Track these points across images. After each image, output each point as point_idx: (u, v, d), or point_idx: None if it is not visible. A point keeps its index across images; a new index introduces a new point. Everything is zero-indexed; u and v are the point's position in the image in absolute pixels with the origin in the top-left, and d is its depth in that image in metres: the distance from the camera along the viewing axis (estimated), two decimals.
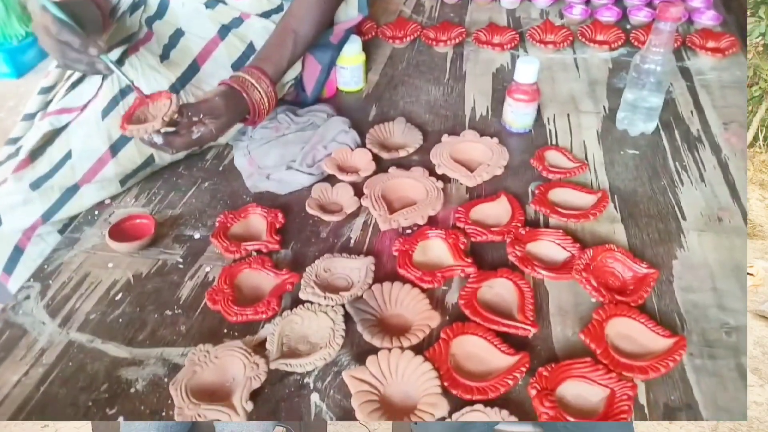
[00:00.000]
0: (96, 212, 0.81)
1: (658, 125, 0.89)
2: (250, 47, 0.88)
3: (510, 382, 0.55)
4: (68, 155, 0.80)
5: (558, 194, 0.77)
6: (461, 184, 0.81)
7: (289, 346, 0.61)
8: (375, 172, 0.81)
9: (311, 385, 0.58)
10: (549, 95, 0.97)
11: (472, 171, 0.81)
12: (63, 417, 0.56)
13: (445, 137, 0.87)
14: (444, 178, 0.81)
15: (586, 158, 0.85)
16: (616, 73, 1.02)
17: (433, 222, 0.75)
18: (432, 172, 0.81)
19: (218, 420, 0.54)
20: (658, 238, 0.72)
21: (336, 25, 0.95)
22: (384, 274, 0.68)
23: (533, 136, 0.90)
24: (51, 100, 0.86)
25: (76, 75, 0.86)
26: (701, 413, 0.54)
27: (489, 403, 0.54)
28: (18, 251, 0.80)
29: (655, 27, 0.79)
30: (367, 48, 1.08)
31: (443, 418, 0.53)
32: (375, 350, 0.59)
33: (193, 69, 0.85)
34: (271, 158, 0.83)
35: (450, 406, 0.54)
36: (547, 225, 0.74)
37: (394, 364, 0.57)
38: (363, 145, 0.87)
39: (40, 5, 0.65)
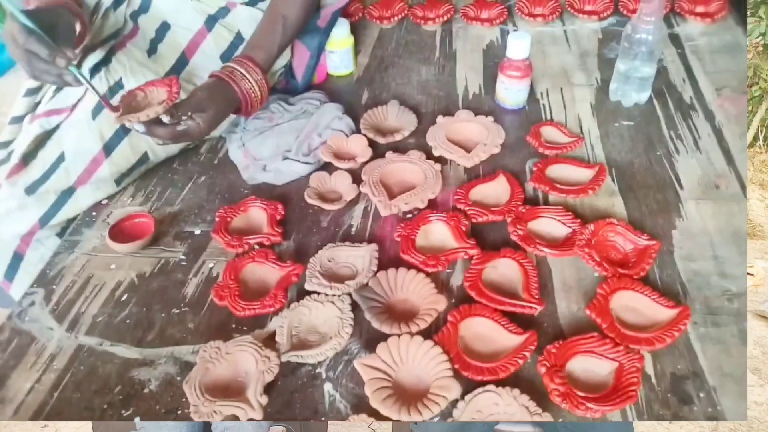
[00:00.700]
0: (93, 213, 0.80)
1: (651, 95, 0.89)
2: (238, 37, 0.87)
3: (519, 361, 0.56)
4: (61, 157, 0.79)
5: (556, 170, 0.77)
6: (459, 165, 0.81)
7: (299, 337, 0.61)
8: (372, 158, 0.81)
9: (323, 375, 0.59)
10: (541, 69, 0.97)
11: (468, 151, 0.81)
12: (80, 419, 0.57)
13: (439, 118, 0.86)
14: (441, 160, 0.81)
15: (582, 132, 0.85)
16: (607, 44, 1.02)
17: (433, 205, 0.75)
18: (429, 155, 0.81)
19: (235, 416, 0.55)
20: (656, 209, 0.72)
21: (323, 9, 0.93)
22: (387, 260, 0.69)
23: (527, 111, 0.89)
24: (39, 102, 0.85)
25: None
26: (707, 380, 0.55)
27: (500, 383, 0.55)
28: (18, 257, 0.80)
29: None
30: (355, 30, 1.07)
31: (456, 401, 0.54)
32: (384, 337, 0.59)
33: (182, 62, 0.84)
34: (266, 149, 0.82)
35: (462, 388, 0.55)
36: (546, 202, 0.74)
37: (404, 350, 0.58)
38: (358, 130, 0.86)
39: (8, 12, 0.63)
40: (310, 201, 0.76)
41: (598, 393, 0.53)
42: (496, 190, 0.75)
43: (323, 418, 0.55)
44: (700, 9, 1.03)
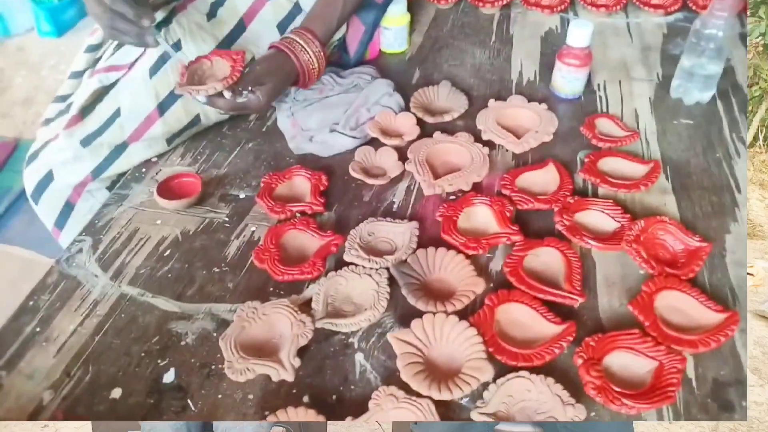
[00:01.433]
0: (143, 170, 0.82)
1: (715, 94, 0.85)
2: (297, 6, 0.87)
3: (556, 350, 0.55)
4: (117, 113, 0.81)
5: (608, 163, 0.75)
6: (507, 150, 0.79)
7: (334, 306, 0.62)
8: (419, 137, 0.80)
9: (356, 345, 0.59)
10: (600, 61, 0.94)
11: (518, 137, 0.79)
12: (117, 366, 0.58)
13: (491, 102, 0.85)
14: (490, 144, 0.79)
15: (638, 127, 0.82)
16: (671, 39, 0.98)
17: (477, 188, 0.74)
18: (477, 138, 0.80)
19: (267, 374, 0.55)
20: (711, 211, 0.70)
21: None
22: (428, 240, 0.68)
23: (583, 102, 0.87)
24: (99, 58, 0.87)
25: None
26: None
27: (534, 370, 0.54)
28: (69, 206, 0.82)
29: None
30: (411, 9, 1.05)
31: (487, 384, 0.53)
32: (418, 314, 0.59)
33: (240, 28, 0.85)
34: (314, 120, 0.82)
35: (494, 371, 0.54)
36: (595, 195, 0.72)
37: (438, 328, 0.57)
38: (407, 108, 0.85)
39: None
40: (354, 174, 0.76)
41: (634, 390, 0.52)
42: (544, 179, 0.74)
43: (352, 387, 0.56)
44: None
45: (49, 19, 2.16)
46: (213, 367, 0.58)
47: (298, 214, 0.72)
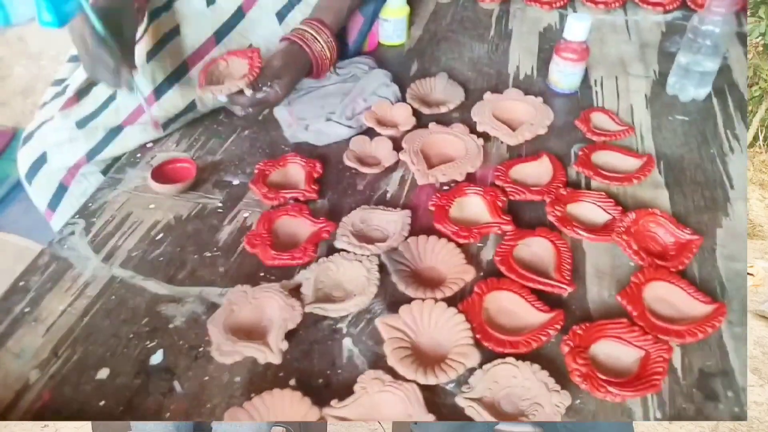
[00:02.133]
0: (138, 155, 0.82)
1: (710, 92, 0.85)
2: None
3: (543, 337, 0.55)
4: (113, 96, 0.81)
5: (602, 157, 0.75)
6: (502, 142, 0.80)
7: (324, 291, 0.62)
8: (414, 127, 0.80)
9: (344, 330, 0.59)
10: (597, 57, 0.94)
11: (514, 130, 0.79)
12: (105, 347, 0.58)
13: (487, 95, 0.85)
14: (485, 136, 0.79)
15: (633, 122, 0.82)
16: (669, 37, 0.98)
17: (471, 179, 0.74)
18: (473, 130, 0.80)
19: (253, 357, 0.55)
20: (703, 206, 0.70)
21: None
22: (420, 229, 0.68)
23: (579, 97, 0.87)
24: None
25: None
26: (737, 380, 0.53)
27: (520, 357, 0.54)
28: (62, 188, 0.82)
29: None
30: (411, 2, 1.05)
31: (473, 369, 0.54)
32: (408, 301, 0.59)
33: (239, 15, 0.85)
34: (310, 109, 0.82)
35: (481, 357, 0.54)
36: (589, 187, 0.72)
37: (427, 314, 0.57)
38: (403, 99, 0.86)
39: (82, 11, 0.65)
40: (348, 163, 0.76)
41: (620, 379, 0.52)
42: (537, 171, 0.74)
43: (339, 371, 0.56)
44: None
45: (50, 9, 2.16)
46: (201, 349, 0.58)
47: (291, 201, 0.72)
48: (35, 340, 0.59)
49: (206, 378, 0.56)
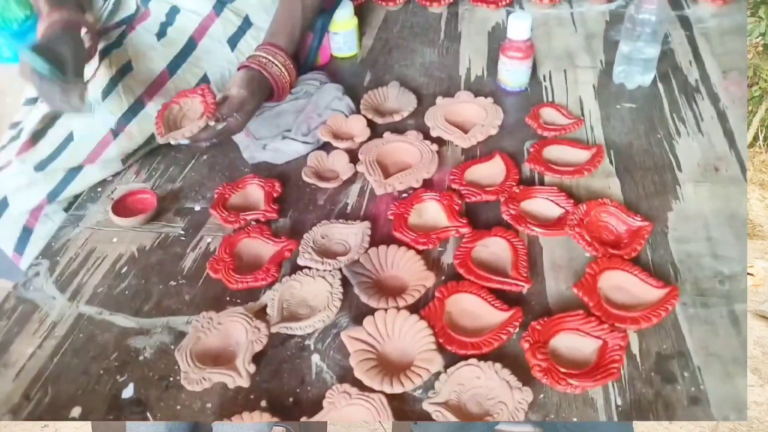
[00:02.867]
0: (99, 189, 0.82)
1: (655, 77, 0.87)
2: (246, 21, 0.88)
3: (503, 336, 0.56)
4: (70, 137, 0.81)
5: (553, 151, 0.77)
6: (456, 146, 0.81)
7: (290, 310, 0.63)
8: (370, 138, 0.82)
9: (312, 347, 0.60)
10: (545, 52, 0.96)
11: (466, 132, 0.81)
12: (76, 385, 0.59)
13: (439, 99, 0.86)
14: (439, 141, 0.81)
15: (582, 114, 0.84)
16: (614, 26, 1.00)
17: (428, 185, 0.75)
18: (427, 135, 0.81)
19: (223, 382, 0.56)
20: (653, 191, 0.72)
21: None
22: (381, 238, 0.69)
23: (529, 94, 0.89)
24: None
25: None
26: (692, 360, 0.55)
27: (484, 357, 0.55)
28: (27, 231, 0.82)
29: None
30: (361, 12, 1.07)
31: (438, 374, 0.55)
32: (372, 311, 0.60)
33: (190, 46, 0.86)
34: (266, 129, 0.83)
35: (445, 361, 0.55)
36: (542, 183, 0.74)
37: (390, 324, 0.59)
38: (358, 111, 0.87)
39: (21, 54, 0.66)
40: (307, 179, 0.77)
41: (580, 370, 0.54)
42: (491, 171, 0.75)
43: (309, 388, 0.57)
44: None
45: (9, 46, 2.15)
46: (171, 378, 0.59)
47: (252, 222, 0.73)
48: (6, 386, 0.59)
49: (178, 407, 0.56)
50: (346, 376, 0.57)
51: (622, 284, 0.61)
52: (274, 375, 0.58)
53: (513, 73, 0.87)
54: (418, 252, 0.66)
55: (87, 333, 0.64)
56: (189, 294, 0.67)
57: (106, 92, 0.80)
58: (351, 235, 0.70)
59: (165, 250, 0.72)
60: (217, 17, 0.87)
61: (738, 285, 0.61)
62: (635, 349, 0.57)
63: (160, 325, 0.64)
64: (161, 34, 0.86)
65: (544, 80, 0.91)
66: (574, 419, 0.52)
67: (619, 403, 0.53)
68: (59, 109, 0.73)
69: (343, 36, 0.98)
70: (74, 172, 0.80)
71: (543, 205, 0.70)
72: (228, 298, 0.65)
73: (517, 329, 0.57)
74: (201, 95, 0.73)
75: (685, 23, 0.99)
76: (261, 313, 0.63)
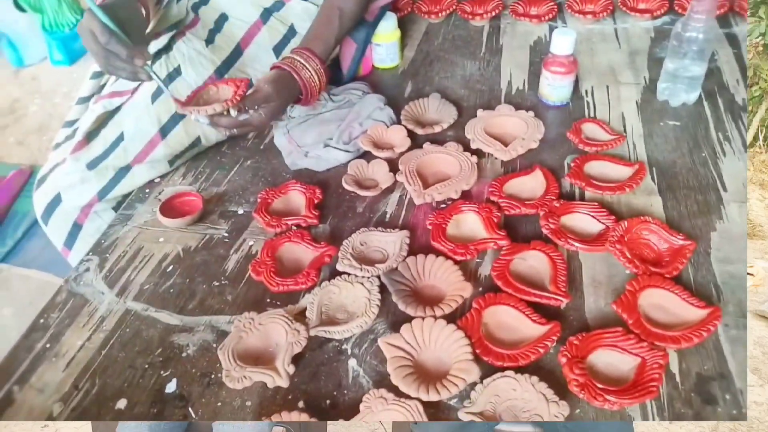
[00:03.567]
0: (147, 190, 0.86)
1: (701, 95, 0.86)
2: (291, 30, 0.91)
3: (541, 350, 0.56)
4: (121, 137, 0.84)
5: (594, 167, 0.76)
6: (496, 158, 0.81)
7: (328, 314, 0.64)
8: (410, 148, 0.83)
9: (349, 351, 0.61)
10: (588, 67, 0.96)
11: (506, 145, 0.81)
12: (122, 378, 0.61)
13: (479, 112, 0.87)
14: (479, 153, 0.81)
15: (625, 130, 0.83)
16: (659, 43, 0.99)
17: (467, 196, 0.76)
18: (466, 147, 0.82)
19: (263, 381, 0.58)
20: (696, 210, 0.71)
21: (372, 3, 0.96)
22: (418, 248, 0.70)
23: (570, 109, 0.89)
24: (104, 84, 0.91)
25: None
26: (734, 382, 0.54)
27: (520, 370, 0.55)
28: (77, 227, 0.86)
29: None
30: (403, 24, 1.09)
31: (474, 384, 0.55)
32: (409, 320, 0.61)
33: (237, 53, 0.88)
34: (309, 136, 0.85)
35: (481, 372, 0.56)
36: (582, 198, 0.74)
37: (427, 332, 0.59)
38: (398, 121, 0.88)
39: (88, 9, 0.68)
40: (347, 187, 0.79)
41: (618, 387, 0.53)
42: (531, 184, 0.76)
43: (346, 392, 0.58)
44: (763, 10, 0.99)
45: (61, 48, 2.24)
46: (213, 376, 0.60)
47: (293, 227, 0.75)
48: (56, 375, 0.62)
49: (219, 404, 0.58)
50: (382, 381, 0.58)
51: (663, 303, 0.60)
52: (312, 377, 0.59)
53: (555, 88, 0.87)
54: (456, 262, 0.67)
55: (133, 328, 0.66)
56: (231, 294, 0.69)
57: (156, 95, 0.83)
58: (389, 243, 0.71)
59: (209, 251, 0.74)
60: (263, 25, 0.90)
61: None
62: (675, 368, 0.56)
63: (203, 324, 0.66)
64: (209, 40, 0.89)
65: (586, 95, 0.91)
66: None
67: (658, 421, 0.52)
68: (120, 74, 0.72)
69: (385, 48, 1.00)
70: (123, 171, 0.84)
71: (583, 220, 0.70)
72: (269, 300, 0.67)
73: (555, 343, 0.57)
74: (237, 86, 0.75)
75: (733, 42, 0.98)
76: (300, 317, 0.64)
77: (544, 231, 0.69)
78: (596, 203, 0.70)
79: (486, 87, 0.96)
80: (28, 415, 0.59)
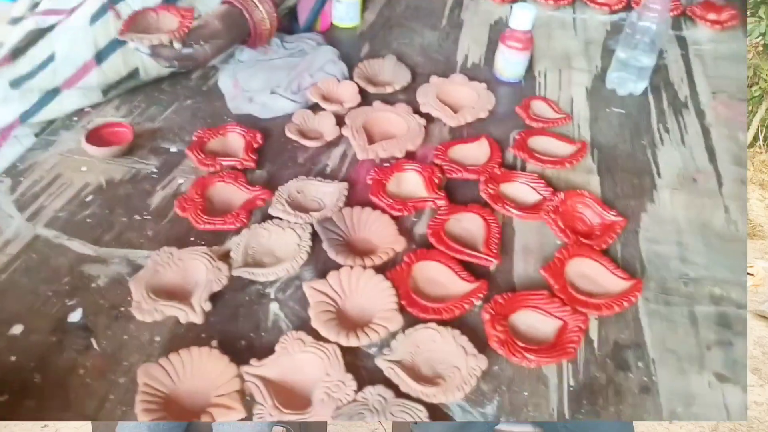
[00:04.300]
0: (75, 118, 0.80)
1: (647, 88, 0.88)
2: None
3: (466, 305, 0.56)
4: (51, 58, 0.78)
5: (538, 142, 0.77)
6: (444, 125, 0.81)
7: (254, 258, 0.61)
8: (359, 105, 0.81)
9: (272, 295, 0.59)
10: (543, 50, 0.97)
11: (456, 113, 0.80)
12: (21, 304, 0.57)
13: (433, 78, 0.86)
14: (428, 118, 0.80)
15: (572, 112, 0.84)
16: (613, 35, 1.01)
17: (411, 157, 0.75)
18: (416, 110, 0.81)
19: (175, 316, 0.55)
20: (631, 192, 0.72)
21: None
22: (356, 202, 0.68)
23: (523, 87, 0.89)
24: (39, 2, 0.84)
25: None
26: (648, 352, 0.55)
27: (443, 323, 0.55)
28: None
29: None
30: None
31: (396, 334, 0.54)
32: (338, 269, 0.59)
33: None
34: (256, 81, 0.82)
35: (404, 323, 0.55)
36: (524, 170, 0.74)
37: (354, 280, 0.58)
38: (351, 78, 0.86)
39: None
40: (289, 135, 0.76)
41: (537, 346, 0.53)
42: (476, 152, 0.75)
43: (263, 334, 0.55)
44: (711, 16, 1.03)
45: None
46: (122, 309, 0.57)
47: (229, 169, 0.71)
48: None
49: (125, 337, 0.55)
50: (302, 327, 0.55)
51: (589, 272, 0.61)
52: (230, 318, 0.57)
53: (510, 63, 0.87)
54: (393, 218, 0.65)
55: (41, 255, 0.62)
56: (153, 230, 0.65)
57: (96, 17, 0.78)
58: (327, 194, 0.68)
59: (134, 185, 0.70)
60: None
61: (702, 289, 0.62)
62: (594, 335, 0.57)
63: (119, 256, 0.62)
64: None
65: (539, 76, 0.91)
66: (525, 393, 0.52)
67: (572, 383, 0.53)
68: None
69: (346, 5, 0.97)
70: (51, 94, 0.78)
71: (522, 189, 0.70)
72: (192, 239, 0.64)
73: (480, 302, 0.57)
74: (182, 15, 0.72)
75: (682, 43, 1.01)
76: (225, 258, 0.61)
77: (483, 195, 0.68)
78: (536, 174, 0.71)
79: (443, 57, 0.95)
80: None
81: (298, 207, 0.66)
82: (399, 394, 0.50)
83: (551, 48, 0.98)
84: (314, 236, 0.63)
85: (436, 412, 0.50)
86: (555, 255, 0.62)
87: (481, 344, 0.54)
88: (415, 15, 1.05)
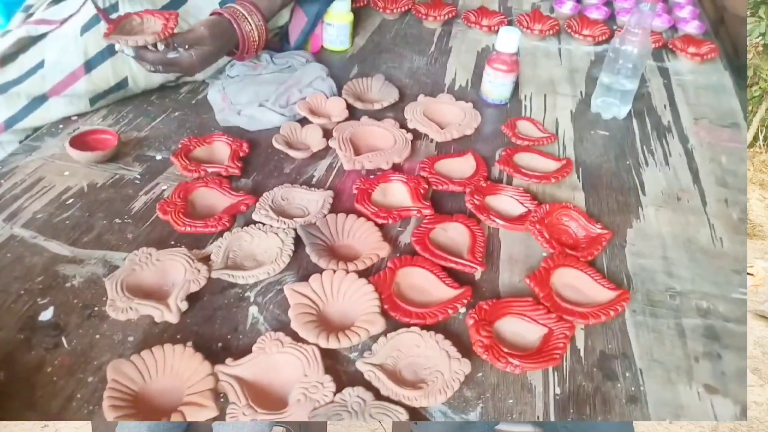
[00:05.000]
0: (61, 126, 0.79)
1: (630, 112, 0.90)
2: None
3: (450, 311, 0.55)
4: (40, 65, 0.78)
5: (523, 158, 0.77)
6: (431, 140, 0.81)
7: (235, 261, 0.60)
8: (347, 120, 0.81)
9: (251, 299, 0.57)
10: (529, 77, 0.99)
11: (442, 129, 0.81)
12: None
13: (420, 97, 0.87)
14: (415, 133, 0.81)
15: (557, 134, 0.85)
16: (598, 65, 1.04)
17: (397, 169, 0.75)
18: (403, 126, 0.81)
19: (150, 315, 0.53)
20: (616, 208, 0.72)
21: None
22: (342, 211, 0.68)
23: (508, 108, 0.90)
24: (32, 14, 0.85)
25: None
26: (635, 362, 0.54)
27: (426, 328, 0.53)
28: None
29: (635, 8, 0.81)
30: (358, 15, 1.09)
31: (377, 338, 0.53)
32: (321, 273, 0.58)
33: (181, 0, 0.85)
34: (244, 95, 0.82)
35: (386, 326, 0.53)
36: (510, 185, 0.74)
37: (337, 284, 0.56)
38: (339, 95, 0.87)
39: None
40: (276, 146, 0.76)
41: (522, 353, 0.52)
42: (462, 167, 0.75)
43: (240, 336, 0.54)
44: (691, 49, 1.06)
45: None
46: (96, 308, 0.55)
47: (213, 176, 0.71)
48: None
49: (97, 336, 0.53)
50: (282, 330, 0.54)
51: (575, 282, 0.60)
52: (207, 320, 0.55)
53: (496, 86, 0.88)
54: (377, 225, 0.65)
55: (15, 254, 0.60)
56: (133, 233, 0.63)
57: (87, 28, 0.78)
58: (312, 201, 0.68)
59: (117, 190, 0.69)
60: None
61: (688, 302, 0.61)
62: (580, 344, 0.56)
63: (96, 258, 0.60)
64: None
65: (525, 100, 0.93)
66: (510, 401, 0.50)
67: (558, 391, 0.51)
68: None
69: (337, 28, 0.99)
70: (38, 101, 0.78)
71: (507, 202, 0.70)
72: (173, 243, 0.62)
73: (465, 307, 0.56)
74: (165, 18, 0.72)
75: (664, 73, 1.03)
76: (205, 261, 0.60)
77: (468, 206, 0.68)
78: (521, 188, 0.71)
79: (430, 80, 0.97)
80: None
81: (282, 213, 0.66)
82: (379, 397, 0.48)
83: (537, 75, 1.00)
84: (297, 241, 0.62)
85: (417, 417, 0.48)
86: (541, 264, 0.61)
87: (465, 350, 0.52)
88: (404, 42, 1.08)
